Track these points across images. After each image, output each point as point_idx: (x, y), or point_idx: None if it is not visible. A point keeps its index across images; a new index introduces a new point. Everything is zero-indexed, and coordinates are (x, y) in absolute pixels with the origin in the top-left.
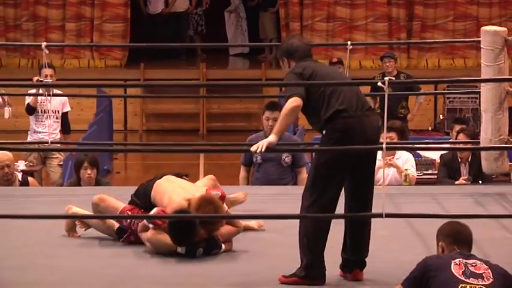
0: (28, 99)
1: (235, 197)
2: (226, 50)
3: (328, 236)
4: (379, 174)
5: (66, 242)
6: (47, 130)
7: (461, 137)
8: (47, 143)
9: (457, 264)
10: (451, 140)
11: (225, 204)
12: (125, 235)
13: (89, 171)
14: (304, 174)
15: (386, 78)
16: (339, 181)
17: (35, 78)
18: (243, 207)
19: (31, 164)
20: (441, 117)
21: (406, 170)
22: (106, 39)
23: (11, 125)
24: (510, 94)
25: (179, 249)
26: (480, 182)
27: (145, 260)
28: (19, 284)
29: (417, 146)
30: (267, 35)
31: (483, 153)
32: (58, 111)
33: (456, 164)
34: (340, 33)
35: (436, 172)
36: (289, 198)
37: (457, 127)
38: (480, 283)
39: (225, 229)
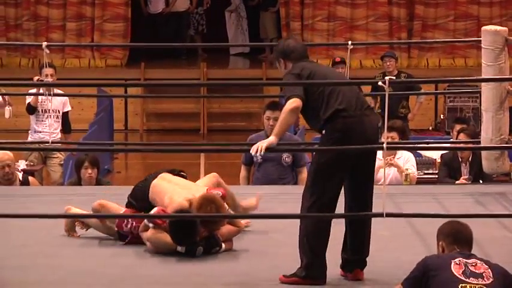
0: (29, 99)
1: (248, 204)
2: (227, 49)
3: (330, 235)
4: (379, 174)
5: (66, 241)
6: (47, 130)
7: (462, 137)
8: (48, 142)
9: (457, 263)
10: (451, 140)
11: (225, 204)
12: (126, 240)
13: (89, 171)
14: (304, 174)
15: (386, 78)
16: (339, 181)
17: (36, 78)
18: None
19: (32, 163)
20: (442, 116)
21: (407, 169)
22: (107, 39)
23: (12, 124)
24: (511, 94)
25: (179, 248)
26: (481, 181)
27: (145, 259)
28: (19, 284)
29: (418, 145)
30: (268, 34)
31: (484, 153)
32: (59, 110)
33: (457, 163)
34: (340, 32)
35: (436, 172)
36: (290, 197)
37: (458, 127)
38: (480, 283)
39: (226, 228)
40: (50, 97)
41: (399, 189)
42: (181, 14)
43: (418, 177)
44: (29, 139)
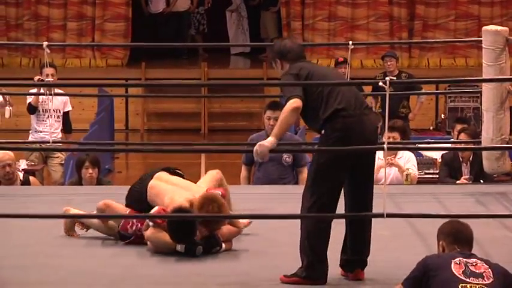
0: (29, 99)
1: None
2: (228, 49)
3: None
4: (380, 174)
5: (67, 241)
6: (48, 129)
7: (463, 137)
8: (49, 142)
9: (457, 263)
10: (452, 140)
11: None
12: (128, 241)
13: (90, 171)
14: (305, 174)
15: (387, 78)
16: (339, 181)
17: (37, 78)
18: (244, 206)
19: (32, 163)
20: (442, 116)
21: (408, 169)
22: (107, 39)
23: (12, 124)
24: (511, 94)
25: (178, 247)
26: (481, 181)
27: (146, 259)
28: (20, 284)
29: (418, 146)
30: (268, 34)
31: (484, 153)
32: (59, 110)
33: (457, 163)
34: (341, 32)
35: (437, 171)
36: (290, 197)
37: (459, 126)
38: (480, 282)
39: (226, 229)
40: (50, 97)
41: (400, 189)
42: (181, 13)
43: (418, 177)
44: (30, 139)
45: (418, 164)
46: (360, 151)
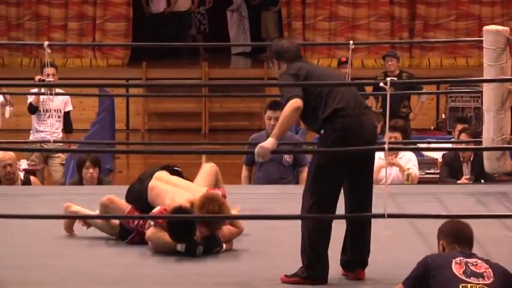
0: (30, 99)
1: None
2: (229, 49)
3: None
4: (381, 174)
5: (67, 241)
6: (49, 129)
7: (464, 137)
8: (49, 142)
9: (457, 263)
10: (453, 140)
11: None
12: (130, 236)
13: (91, 171)
14: (305, 174)
15: (388, 79)
16: (339, 181)
17: (37, 78)
18: (244, 206)
19: (33, 163)
20: (443, 116)
21: (409, 169)
22: (108, 39)
23: (13, 124)
24: None
25: (179, 247)
26: (482, 181)
27: (146, 259)
28: (20, 283)
29: (419, 146)
30: (269, 34)
31: (485, 153)
32: (60, 110)
33: (458, 163)
34: (342, 32)
35: (438, 171)
36: (291, 197)
37: (459, 126)
38: (481, 282)
39: (227, 229)
40: (51, 97)
41: (401, 189)
42: (182, 13)
43: (419, 177)
44: (31, 139)
45: (419, 164)
46: (359, 151)
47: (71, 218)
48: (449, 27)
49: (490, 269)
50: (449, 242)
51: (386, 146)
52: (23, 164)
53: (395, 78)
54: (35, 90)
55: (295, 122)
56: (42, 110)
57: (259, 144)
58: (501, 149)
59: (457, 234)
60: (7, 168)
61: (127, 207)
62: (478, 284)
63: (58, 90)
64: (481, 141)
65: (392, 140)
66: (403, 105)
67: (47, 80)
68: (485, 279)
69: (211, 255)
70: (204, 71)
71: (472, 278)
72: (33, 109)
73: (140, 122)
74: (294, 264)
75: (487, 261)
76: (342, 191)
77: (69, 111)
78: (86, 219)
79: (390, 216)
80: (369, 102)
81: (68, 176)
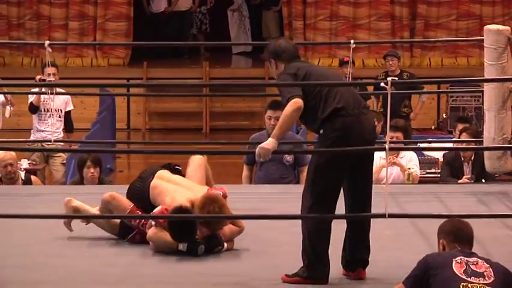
0: (31, 98)
1: None
2: (229, 48)
3: (331, 234)
4: (382, 173)
5: (67, 241)
6: (50, 129)
7: (465, 136)
8: (50, 141)
9: (458, 262)
10: (454, 139)
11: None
12: (131, 234)
13: (92, 170)
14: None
15: (389, 79)
16: (339, 180)
17: (38, 77)
18: (244, 206)
19: (34, 162)
20: (444, 116)
21: (410, 168)
22: (109, 38)
23: (14, 123)
24: None
25: (180, 247)
26: (483, 180)
27: (147, 258)
28: (20, 283)
29: (420, 146)
30: (270, 33)
31: (486, 152)
32: (61, 109)
33: (459, 163)
34: (343, 31)
35: (439, 171)
36: (291, 197)
37: (460, 126)
38: (481, 282)
39: (228, 228)
40: (52, 96)
41: (402, 189)
42: (183, 13)
43: (420, 177)
44: (32, 138)
45: (419, 163)
46: (359, 151)
47: (71, 218)
48: (450, 26)
49: (490, 269)
50: (449, 241)
51: (387, 146)
52: (24, 163)
53: (396, 78)
54: (36, 89)
55: (296, 121)
56: (43, 110)
57: (260, 145)
58: (502, 149)
59: (457, 233)
60: (8, 168)
61: (129, 205)
62: (479, 283)
63: (59, 89)
64: (482, 140)
65: (394, 139)
66: (403, 105)
67: (48, 79)
68: (486, 278)
69: (211, 255)
70: (204, 70)
71: (472, 277)
72: (34, 109)
73: (141, 122)
74: (295, 264)
75: (487, 261)
76: (341, 190)
77: (70, 111)
78: (86, 218)
79: (391, 215)
80: (370, 102)
81: (69, 175)
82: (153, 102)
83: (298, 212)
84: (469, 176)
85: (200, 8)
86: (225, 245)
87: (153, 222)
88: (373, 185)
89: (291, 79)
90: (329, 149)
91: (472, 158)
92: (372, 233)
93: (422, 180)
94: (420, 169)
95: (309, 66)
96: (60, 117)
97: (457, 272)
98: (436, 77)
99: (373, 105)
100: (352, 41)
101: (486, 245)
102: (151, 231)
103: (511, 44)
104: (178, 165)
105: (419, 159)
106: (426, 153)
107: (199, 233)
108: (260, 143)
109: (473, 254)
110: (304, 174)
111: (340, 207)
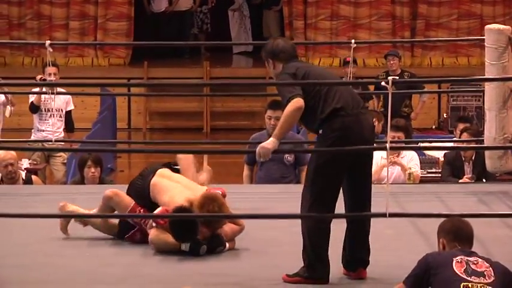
0: (32, 98)
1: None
2: (230, 48)
3: (331, 234)
4: (383, 173)
5: (67, 240)
6: (50, 128)
7: (465, 136)
8: (51, 141)
9: (458, 262)
10: (454, 139)
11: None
12: (131, 232)
13: (92, 170)
14: None
15: (390, 78)
16: (338, 180)
17: (39, 77)
18: (245, 205)
19: (35, 162)
20: (445, 115)
21: (410, 168)
22: (110, 38)
23: (15, 123)
24: None
25: (183, 247)
26: (484, 180)
27: (148, 258)
28: (20, 283)
29: (421, 145)
30: (271, 33)
31: (487, 152)
32: (62, 109)
33: (460, 162)
34: (344, 31)
35: (440, 170)
36: (292, 196)
37: (461, 125)
38: (482, 281)
39: (229, 228)
40: (53, 96)
41: (402, 188)
42: (184, 13)
43: (421, 176)
44: (32, 138)
45: (420, 163)
46: (359, 151)
47: (71, 218)
48: (451, 26)
49: (490, 268)
50: (449, 240)
51: (388, 145)
52: (25, 163)
53: (397, 78)
54: (37, 89)
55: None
56: (43, 110)
57: (261, 144)
58: (503, 148)
59: (457, 232)
60: (9, 168)
61: (131, 202)
62: (480, 283)
63: (60, 89)
64: (483, 140)
65: (396, 139)
66: (404, 105)
67: (49, 79)
68: (486, 278)
69: (212, 255)
70: (205, 70)
71: (473, 277)
72: (35, 108)
73: (142, 121)
74: (295, 264)
75: (487, 260)
76: (341, 190)
77: (70, 111)
78: (85, 218)
79: (392, 215)
80: (372, 103)
81: (70, 175)
82: (153, 102)
83: (299, 211)
84: (470, 176)
85: (201, 8)
86: (227, 245)
87: (153, 224)
88: (374, 185)
89: (290, 79)
90: (330, 148)
91: (473, 158)
92: (373, 233)
93: (423, 180)
94: (421, 169)
95: (308, 66)
96: (60, 117)
97: (457, 272)
98: (437, 77)
99: (374, 105)
100: (353, 41)
101: (487, 245)
102: (152, 234)
103: None
104: (177, 165)
105: (420, 159)
106: (427, 152)
107: (200, 234)
108: (260, 142)
109: (474, 253)
110: (305, 173)
111: (340, 207)
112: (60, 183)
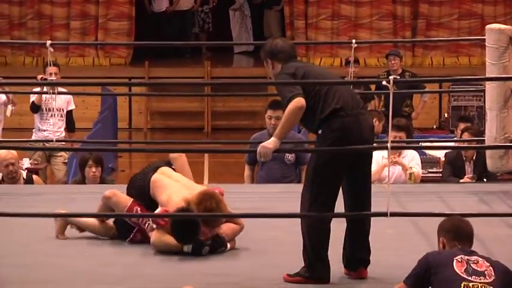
0: (33, 98)
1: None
2: (231, 48)
3: (332, 234)
4: (384, 172)
5: (68, 240)
6: (51, 128)
7: (466, 136)
8: (52, 141)
9: (459, 261)
10: (455, 139)
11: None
12: (132, 234)
13: (93, 170)
14: None
15: (391, 77)
16: (338, 180)
17: (40, 77)
18: (245, 205)
19: (36, 162)
20: (446, 115)
21: (411, 168)
22: (111, 37)
23: (16, 123)
24: None
25: (185, 248)
26: (485, 180)
27: (148, 258)
28: (20, 282)
29: (422, 145)
30: (272, 33)
31: (488, 152)
32: (63, 109)
33: (461, 162)
34: (344, 31)
35: (441, 170)
36: (293, 196)
37: (462, 125)
38: (482, 281)
39: (229, 228)
40: (54, 96)
41: (403, 188)
42: (185, 12)
43: (422, 176)
44: (33, 137)
45: (421, 162)
46: (359, 151)
47: (71, 217)
48: (452, 26)
49: (490, 267)
50: (449, 239)
51: (389, 145)
52: (26, 163)
53: (398, 78)
54: (38, 89)
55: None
56: (44, 109)
57: (262, 144)
58: (504, 148)
59: (457, 231)
60: (9, 167)
61: (128, 201)
62: (480, 282)
63: (60, 89)
64: (484, 140)
65: (397, 139)
66: (405, 105)
67: (50, 79)
68: (487, 277)
69: (213, 255)
70: (206, 70)
71: (473, 276)
72: (36, 108)
73: (143, 121)
74: (295, 263)
75: (487, 259)
76: (340, 190)
77: (71, 110)
78: (80, 221)
79: (393, 214)
80: (374, 103)
81: (71, 175)
82: (154, 101)
83: (299, 211)
84: (471, 176)
85: (202, 7)
86: (228, 245)
87: (154, 226)
88: (375, 184)
89: (289, 79)
90: (330, 148)
91: (474, 158)
92: (374, 232)
93: (424, 180)
94: (422, 168)
95: (307, 66)
96: (61, 116)
97: (458, 271)
98: (438, 77)
99: (375, 105)
100: (353, 41)
101: (487, 244)
102: (154, 237)
103: None
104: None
105: (421, 158)
106: (428, 152)
107: (202, 235)
108: (261, 142)
109: (474, 253)
110: None
111: (340, 207)
112: (61, 183)
